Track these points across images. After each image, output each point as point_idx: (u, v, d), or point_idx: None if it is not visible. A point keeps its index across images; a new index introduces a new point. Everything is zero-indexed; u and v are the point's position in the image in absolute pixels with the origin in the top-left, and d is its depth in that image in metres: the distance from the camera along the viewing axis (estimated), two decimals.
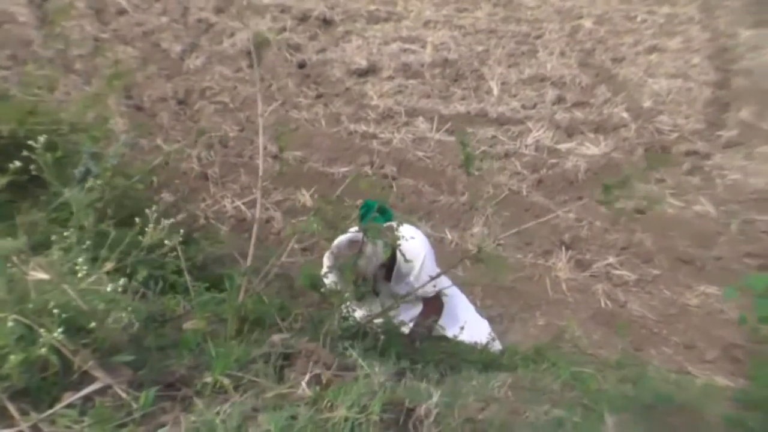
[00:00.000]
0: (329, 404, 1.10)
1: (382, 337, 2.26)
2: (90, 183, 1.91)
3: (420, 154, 5.29)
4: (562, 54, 7.05)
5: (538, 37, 7.46)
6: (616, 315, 4.01)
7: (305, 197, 4.62)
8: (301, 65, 6.52)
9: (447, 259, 4.27)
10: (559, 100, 6.11)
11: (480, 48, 7.09)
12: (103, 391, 0.97)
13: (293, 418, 1.03)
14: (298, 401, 1.09)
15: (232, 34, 6.73)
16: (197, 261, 2.71)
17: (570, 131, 5.66)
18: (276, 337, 1.45)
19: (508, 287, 4.18)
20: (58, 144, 2.09)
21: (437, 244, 4.46)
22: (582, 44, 7.39)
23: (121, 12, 6.55)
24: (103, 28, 6.10)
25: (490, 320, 3.95)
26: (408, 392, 1.31)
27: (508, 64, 6.76)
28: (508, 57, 6.90)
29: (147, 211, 1.48)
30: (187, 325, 1.53)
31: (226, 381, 1.11)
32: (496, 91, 6.28)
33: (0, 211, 1.88)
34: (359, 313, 2.46)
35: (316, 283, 2.03)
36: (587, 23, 7.88)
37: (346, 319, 2.25)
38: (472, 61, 6.84)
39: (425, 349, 2.46)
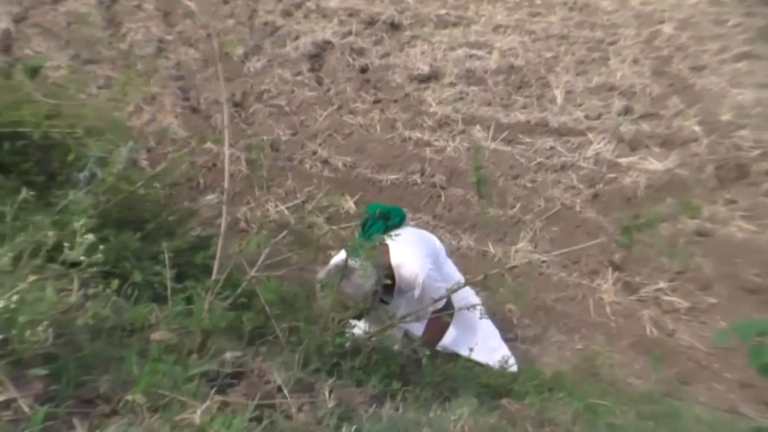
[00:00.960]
0: None
1: (374, 356, 2.25)
2: (90, 188, 2.00)
3: None
4: (635, 62, 6.75)
5: (612, 43, 7.18)
6: (662, 344, 3.81)
7: (349, 203, 4.66)
8: (363, 70, 6.58)
9: (493, 280, 4.19)
10: (626, 110, 5.86)
11: (549, 54, 6.91)
12: (7, 405, 1.03)
13: None
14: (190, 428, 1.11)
15: (296, 38, 6.89)
16: (210, 266, 2.78)
17: (634, 144, 5.42)
18: (228, 355, 1.48)
19: (548, 306, 4.07)
20: (71, 147, 2.19)
21: (479, 258, 4.39)
22: (658, 51, 7.04)
23: (189, 14, 6.83)
24: (168, 30, 6.39)
25: (524, 340, 3.86)
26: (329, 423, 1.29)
27: (576, 72, 6.56)
28: (577, 64, 6.69)
29: (76, 225, 1.54)
30: (155, 336, 1.58)
31: (141, 400, 1.15)
32: (559, 100, 6.10)
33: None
34: (359, 329, 2.46)
35: (285, 298, 2.04)
36: (667, 28, 7.50)
37: (342, 335, 2.25)
38: (538, 68, 6.68)
39: (427, 369, 2.43)
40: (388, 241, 2.48)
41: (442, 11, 7.96)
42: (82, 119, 2.34)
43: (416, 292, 2.69)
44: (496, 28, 7.61)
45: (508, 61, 6.77)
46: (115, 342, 1.54)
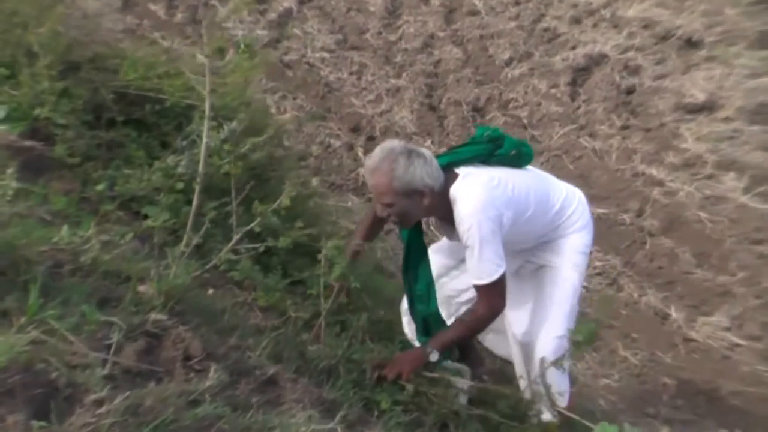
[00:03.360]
0: None
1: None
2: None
3: (703, 215, 4.73)
4: None
5: None
6: None
7: None
8: (629, 91, 6.30)
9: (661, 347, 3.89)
10: None
11: None
12: None
13: None
14: None
15: (573, 47, 6.85)
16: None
17: None
18: (152, 316, 1.81)
19: (718, 395, 3.63)
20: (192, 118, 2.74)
21: (653, 318, 4.08)
22: None
23: (473, 13, 7.22)
24: (444, 27, 6.85)
25: (667, 422, 3.54)
26: None
27: None
28: None
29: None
30: (140, 288, 1.96)
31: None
32: None
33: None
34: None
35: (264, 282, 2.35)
36: None
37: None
38: None
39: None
40: (460, 169, 2.24)
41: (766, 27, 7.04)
42: (218, 96, 2.84)
43: (465, 249, 2.23)
44: None
45: None
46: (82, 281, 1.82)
